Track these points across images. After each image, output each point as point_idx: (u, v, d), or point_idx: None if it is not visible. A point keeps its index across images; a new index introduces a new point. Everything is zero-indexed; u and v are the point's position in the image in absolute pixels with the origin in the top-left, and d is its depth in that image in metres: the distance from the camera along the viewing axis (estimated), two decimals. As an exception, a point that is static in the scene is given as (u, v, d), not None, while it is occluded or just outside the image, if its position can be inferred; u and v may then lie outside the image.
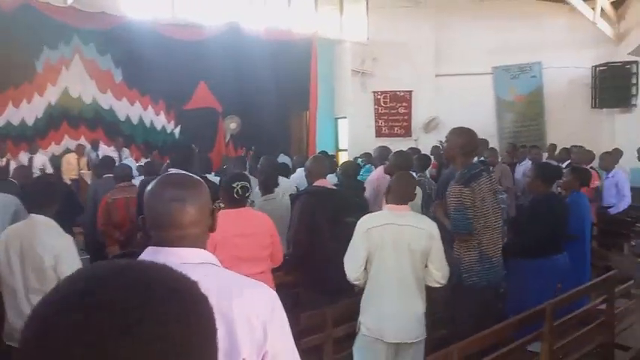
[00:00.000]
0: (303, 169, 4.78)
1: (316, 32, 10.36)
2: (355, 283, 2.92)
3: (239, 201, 3.20)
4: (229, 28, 9.79)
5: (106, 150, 8.83)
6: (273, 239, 3.28)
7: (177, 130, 10.65)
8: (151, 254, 1.23)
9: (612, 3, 10.01)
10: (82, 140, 9.51)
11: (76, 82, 9.41)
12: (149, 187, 1.31)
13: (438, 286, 2.95)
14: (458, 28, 10.68)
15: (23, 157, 8.40)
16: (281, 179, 5.67)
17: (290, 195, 4.12)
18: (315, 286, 3.70)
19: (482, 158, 7.18)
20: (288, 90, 10.43)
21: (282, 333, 1.27)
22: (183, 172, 3.71)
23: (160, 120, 10.48)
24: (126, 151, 9.44)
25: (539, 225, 3.69)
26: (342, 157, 10.72)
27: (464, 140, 3.38)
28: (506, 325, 2.82)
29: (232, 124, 10.80)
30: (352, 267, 2.90)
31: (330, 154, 8.32)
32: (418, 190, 4.51)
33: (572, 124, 10.43)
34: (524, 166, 7.24)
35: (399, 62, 10.56)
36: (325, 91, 10.83)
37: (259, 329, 1.21)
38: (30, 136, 8.87)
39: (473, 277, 3.28)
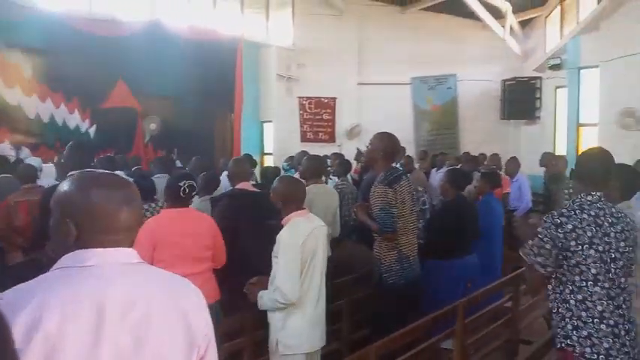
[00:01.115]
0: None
1: (242, 34, 10.26)
2: (295, 302, 2.71)
3: (184, 200, 3.16)
4: (151, 25, 9.44)
5: (2, 148, 8.13)
6: (215, 240, 3.25)
7: (92, 130, 10.11)
8: (84, 257, 1.15)
9: (520, 22, 10.79)
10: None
11: (-21, 75, 8.69)
12: (81, 188, 1.20)
13: None
14: (380, 38, 11.04)
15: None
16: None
17: (211, 198, 4.04)
18: (236, 291, 3.66)
19: (397, 164, 7.47)
20: (212, 91, 10.22)
21: (211, 324, 1.33)
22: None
23: (73, 118, 9.90)
24: (25, 150, 8.69)
25: (449, 227, 3.90)
26: (268, 161, 10.70)
27: (385, 145, 3.51)
28: (420, 324, 2.94)
29: (152, 125, 10.43)
30: (294, 286, 2.68)
31: (252, 157, 8.24)
32: (335, 193, 4.62)
33: (483, 133, 11.11)
34: (442, 173, 7.61)
35: (324, 69, 10.72)
36: (251, 94, 10.75)
37: (204, 317, 1.28)
38: None
39: (392, 276, 3.40)
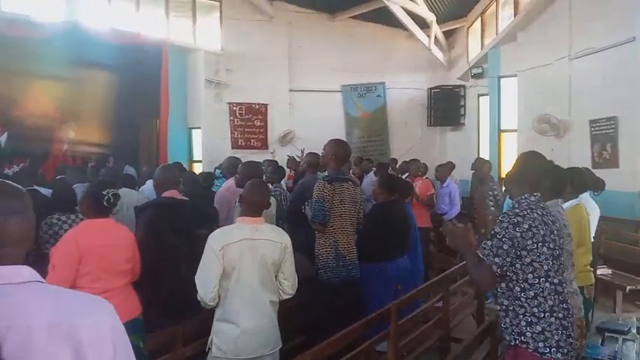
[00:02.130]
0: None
1: (168, 38, 9.92)
2: (210, 304, 2.72)
3: (107, 210, 2.97)
4: (69, 26, 8.91)
5: None
6: (134, 252, 3.10)
7: (3, 138, 9.36)
8: None
9: (444, 33, 11.24)
10: None
11: None
12: None
13: (287, 297, 2.92)
14: (310, 45, 11.10)
15: None
16: (128, 191, 5.30)
17: (134, 207, 3.82)
18: (164, 305, 3.47)
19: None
20: (137, 96, 9.81)
21: (128, 347, 1.19)
22: None
23: (-18, 127, 9.14)
24: None
25: (379, 230, 3.97)
26: (197, 169, 10.37)
27: (336, 150, 3.85)
28: (354, 328, 2.91)
29: (71, 132, 9.83)
30: (206, 288, 2.68)
31: (182, 164, 7.97)
32: (272, 200, 4.55)
33: (411, 139, 11.44)
34: (370, 177, 7.76)
35: (255, 75, 10.60)
36: (178, 100, 10.40)
37: (110, 349, 1.11)
38: None
39: (328, 273, 3.59)
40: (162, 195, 3.74)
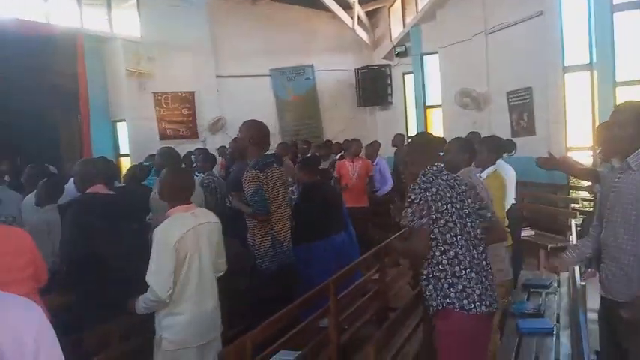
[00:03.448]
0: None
1: (81, 28, 9.38)
2: (167, 301, 2.65)
3: None
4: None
5: None
6: (34, 256, 2.78)
7: None
8: None
9: (366, 13, 11.38)
10: None
11: None
12: None
13: (220, 274, 2.94)
14: (234, 30, 10.88)
15: None
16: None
17: (58, 206, 3.64)
18: (98, 303, 3.36)
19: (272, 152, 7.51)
20: (53, 91, 9.25)
21: (55, 350, 1.11)
22: None
23: None
24: None
25: (309, 209, 4.02)
26: (125, 163, 9.98)
27: (252, 132, 3.63)
28: (292, 307, 2.96)
29: (-18, 133, 9.14)
30: (164, 284, 2.61)
31: (109, 159, 7.64)
32: (198, 190, 4.49)
33: (342, 120, 11.58)
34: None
35: (179, 62, 10.29)
36: (98, 93, 9.92)
37: (31, 348, 1.04)
38: None
39: (266, 261, 3.50)
40: (87, 191, 3.58)
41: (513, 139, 5.98)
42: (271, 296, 3.33)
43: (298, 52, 11.38)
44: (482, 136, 4.96)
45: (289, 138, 10.86)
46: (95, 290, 3.34)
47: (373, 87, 11.62)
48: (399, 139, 8.52)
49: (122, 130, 10.41)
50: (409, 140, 2.78)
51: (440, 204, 2.40)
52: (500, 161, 4.11)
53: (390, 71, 11.48)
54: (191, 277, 2.71)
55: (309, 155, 6.78)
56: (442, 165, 2.59)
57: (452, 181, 2.53)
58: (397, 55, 10.94)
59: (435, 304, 2.43)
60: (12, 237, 2.75)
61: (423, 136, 2.85)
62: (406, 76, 11.04)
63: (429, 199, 2.39)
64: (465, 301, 2.36)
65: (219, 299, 2.92)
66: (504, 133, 7.02)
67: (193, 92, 10.76)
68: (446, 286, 2.39)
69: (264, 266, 3.48)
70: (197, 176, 5.88)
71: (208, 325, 2.80)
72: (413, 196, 2.39)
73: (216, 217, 2.97)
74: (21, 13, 8.65)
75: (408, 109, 11.25)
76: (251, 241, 3.53)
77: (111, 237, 3.39)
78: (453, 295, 2.37)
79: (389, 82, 11.53)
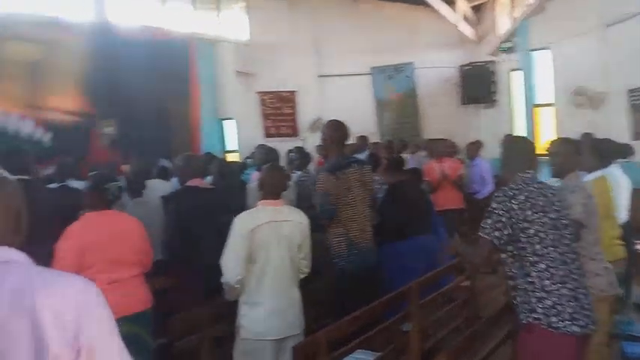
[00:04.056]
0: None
1: (195, 32, 10.09)
2: (236, 286, 2.80)
3: (110, 202, 3.05)
4: (99, 26, 9.20)
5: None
6: (144, 243, 3.14)
7: (46, 137, 9.78)
8: None
9: (472, 8, 10.93)
10: None
11: None
12: None
13: (303, 275, 3.01)
14: (336, 29, 11.03)
15: None
16: (160, 183, 5.46)
17: (162, 197, 3.96)
18: (193, 290, 3.60)
19: (364, 152, 7.53)
20: (167, 91, 10.03)
21: (101, 327, 1.20)
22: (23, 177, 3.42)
23: (25, 126, 9.54)
24: None
25: (395, 209, 3.95)
26: (232, 159, 10.56)
27: (332, 132, 3.68)
28: (370, 308, 2.95)
29: (108, 128, 10.17)
30: (233, 270, 2.76)
31: (214, 155, 8.13)
32: (292, 185, 4.63)
33: (443, 120, 11.23)
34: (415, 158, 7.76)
35: (282, 63, 10.65)
36: (209, 93, 10.60)
37: (72, 322, 1.13)
38: None
39: (342, 262, 3.53)
40: (187, 184, 3.87)
41: (633, 142, 5.42)
42: (346, 296, 3.34)
43: (399, 49, 11.23)
44: (596, 137, 4.58)
45: (388, 137, 10.78)
46: (190, 276, 3.60)
47: (477, 85, 11.14)
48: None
49: (230, 128, 11.02)
50: (508, 139, 2.66)
51: (530, 212, 2.26)
52: (612, 166, 3.76)
53: (496, 68, 10.93)
54: (268, 271, 2.81)
55: (394, 156, 6.68)
56: (533, 173, 2.44)
57: (546, 189, 2.38)
58: (503, 51, 10.38)
59: (521, 317, 2.29)
60: (124, 223, 3.10)
61: (517, 139, 2.71)
62: (513, 73, 10.44)
63: (516, 207, 2.25)
64: (554, 318, 2.19)
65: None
66: (622, 135, 6.40)
67: (295, 92, 11.09)
68: (533, 300, 2.24)
69: (339, 267, 3.53)
70: (294, 174, 6.07)
71: (285, 320, 2.85)
72: (494, 205, 2.27)
73: (305, 218, 3.04)
74: (142, 20, 9.50)
75: (514, 107, 10.64)
76: (328, 241, 3.59)
77: (206, 227, 3.62)
78: (540, 310, 2.22)
79: (494, 79, 10.99)
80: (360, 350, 3.16)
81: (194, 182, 3.83)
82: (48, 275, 1.18)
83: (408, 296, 3.31)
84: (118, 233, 2.98)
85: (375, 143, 7.88)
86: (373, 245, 3.74)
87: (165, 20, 9.82)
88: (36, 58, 8.76)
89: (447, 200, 6.25)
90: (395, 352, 3.20)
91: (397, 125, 11.63)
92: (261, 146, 5.29)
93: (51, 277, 1.18)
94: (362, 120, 10.48)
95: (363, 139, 7.95)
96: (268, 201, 2.91)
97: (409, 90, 11.59)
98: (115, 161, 7.89)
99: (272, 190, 2.94)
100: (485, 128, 11.07)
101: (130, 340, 2.92)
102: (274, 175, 3.00)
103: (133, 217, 3.27)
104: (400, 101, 11.66)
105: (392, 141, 9.50)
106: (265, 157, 4.35)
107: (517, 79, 10.23)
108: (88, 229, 2.92)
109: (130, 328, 2.89)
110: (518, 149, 2.54)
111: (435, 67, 11.36)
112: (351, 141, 7.73)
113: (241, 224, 2.79)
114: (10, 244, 1.16)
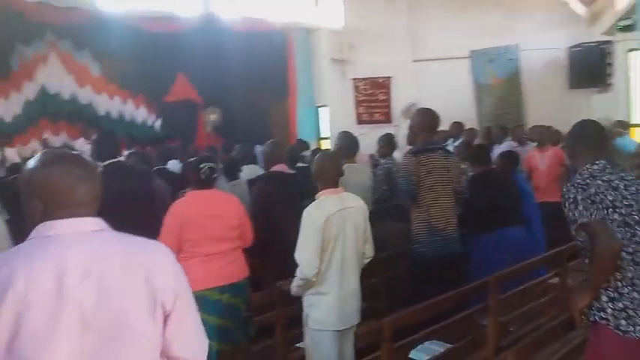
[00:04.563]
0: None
1: (291, 21, 10.34)
2: (313, 279, 2.80)
3: (206, 182, 3.26)
4: (205, 18, 9.76)
5: (82, 144, 8.76)
6: (241, 220, 3.35)
7: (158, 123, 10.66)
8: (46, 229, 1.28)
9: (586, -17, 10.03)
10: (62, 136, 9.53)
11: (53, 77, 9.40)
12: (44, 166, 1.32)
13: (368, 260, 3.00)
14: (433, 12, 10.67)
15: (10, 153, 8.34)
16: (254, 168, 5.74)
17: (247, 180, 4.17)
18: (274, 270, 3.77)
19: (460, 139, 7.30)
20: (266, 80, 10.45)
21: (186, 281, 1.42)
22: (118, 160, 3.78)
23: (140, 113, 10.49)
24: None
25: (476, 200, 3.81)
26: (325, 145, 10.77)
27: (422, 119, 3.67)
28: (441, 299, 2.89)
29: (212, 116, 10.84)
30: (309, 263, 2.75)
31: (307, 142, 8.36)
32: (367, 174, 4.62)
33: (550, 105, 10.46)
34: (502, 148, 7.35)
35: (377, 48, 10.55)
36: (305, 80, 10.86)
37: (171, 275, 1.38)
38: (8, 133, 8.86)
39: (422, 247, 3.51)
40: (271, 169, 4.04)
41: None
42: (421, 284, 3.31)
43: (501, 31, 10.60)
44: None
45: (487, 124, 10.31)
46: (272, 256, 3.78)
47: (589, 67, 10.21)
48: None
49: (324, 115, 11.21)
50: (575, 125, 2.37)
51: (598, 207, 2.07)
52: None
53: (611, 48, 9.95)
54: (334, 260, 2.80)
55: (480, 144, 6.39)
56: (605, 162, 2.19)
57: (617, 181, 2.14)
58: (620, 30, 9.39)
59: (590, 313, 2.13)
60: (228, 201, 3.36)
61: (583, 124, 2.36)
62: (631, 54, 9.44)
63: (581, 206, 2.08)
64: (623, 322, 2.02)
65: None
66: None
67: (389, 77, 10.97)
68: (604, 298, 2.08)
69: (418, 252, 3.51)
70: (378, 160, 6.05)
71: (350, 309, 2.86)
72: (572, 195, 2.10)
73: (364, 202, 3.04)
74: (243, 12, 9.93)
75: (632, 91, 9.64)
76: (410, 226, 3.61)
77: (286, 210, 3.77)
78: (609, 310, 2.05)
79: (609, 60, 10.01)
80: (434, 341, 3.13)
81: (278, 167, 3.99)
82: (138, 239, 1.40)
83: (487, 289, 3.20)
84: (215, 211, 3.21)
85: (470, 130, 7.57)
86: (457, 235, 3.66)
87: (265, 11, 10.16)
88: (150, 49, 9.54)
89: (546, 192, 5.87)
90: (470, 345, 3.12)
91: (498, 111, 11.06)
92: (342, 133, 5.32)
93: (142, 240, 1.40)
94: (459, 106, 10.12)
95: (457, 125, 7.70)
96: (329, 190, 2.88)
97: (512, 74, 10.95)
98: (216, 146, 8.40)
99: (330, 179, 2.91)
100: (597, 114, 10.15)
101: (221, 310, 3.18)
102: (328, 164, 2.95)
103: (232, 196, 3.50)
104: (502, 86, 11.06)
105: (490, 128, 9.10)
106: (343, 144, 4.38)
107: (636, 60, 9.25)
108: (189, 206, 3.19)
109: (222, 297, 3.20)
110: (584, 137, 2.29)
111: (541, 49, 10.60)
112: (445, 128, 7.59)
113: (312, 217, 2.79)
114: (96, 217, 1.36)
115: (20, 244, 1.29)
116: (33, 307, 1.17)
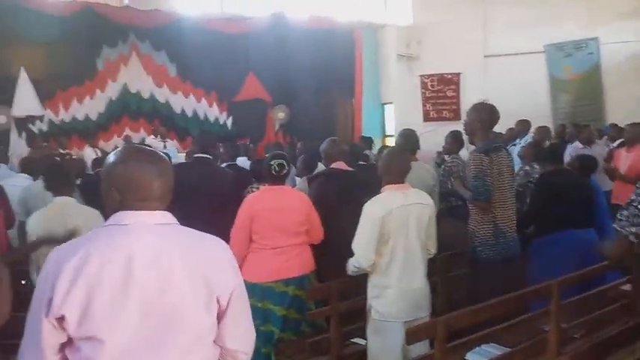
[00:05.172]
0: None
1: (359, 19, 10.38)
2: (368, 270, 2.88)
3: (277, 178, 3.42)
4: (275, 18, 10.03)
5: (151, 141, 9.23)
6: (310, 217, 3.47)
7: (229, 121, 11.05)
8: (121, 218, 1.41)
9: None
10: (142, 132, 10.14)
11: (134, 77, 10.01)
12: (122, 160, 1.44)
13: (430, 256, 3.00)
14: (505, 5, 10.30)
15: (88, 150, 8.98)
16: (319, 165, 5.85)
17: (307, 177, 4.26)
18: (332, 266, 3.84)
19: (526, 138, 7.02)
20: (333, 78, 10.55)
21: (241, 278, 1.53)
22: (207, 156, 4.04)
23: (212, 112, 10.92)
24: (170, 142, 9.73)
25: (542, 200, 3.66)
26: (390, 143, 10.72)
27: (482, 115, 3.51)
28: (498, 302, 2.82)
29: (281, 114, 11.08)
30: (365, 254, 2.82)
31: (371, 139, 8.36)
32: (430, 172, 4.56)
33: (633, 101, 9.80)
34: (572, 148, 7.02)
35: (446, 44, 10.35)
36: (371, 77, 10.85)
37: (228, 272, 1.47)
38: (94, 131, 9.56)
39: (487, 251, 3.38)
40: (330, 166, 4.11)
41: None
42: (481, 286, 3.23)
43: (580, 23, 10.05)
44: None
45: (562, 121, 9.82)
46: (330, 252, 3.85)
47: (679, 60, 9.47)
48: None
49: (389, 112, 11.15)
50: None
51: None
52: None
53: None
54: (397, 254, 2.83)
55: (553, 142, 6.06)
56: None
57: None
58: None
59: None
60: (297, 197, 3.51)
61: None
62: None
63: None
64: None
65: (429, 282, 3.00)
66: None
67: (459, 73, 10.74)
68: None
69: (483, 255, 3.37)
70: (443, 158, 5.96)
71: (414, 303, 2.88)
72: (633, 197, 2.02)
73: (430, 200, 3.05)
74: (311, 10, 10.10)
75: None
76: (472, 228, 3.46)
77: (344, 207, 3.82)
78: None
79: None
80: (491, 343, 3.08)
81: (337, 165, 4.05)
82: (202, 235, 1.50)
83: (548, 293, 3.09)
84: (284, 205, 3.35)
85: (540, 128, 7.24)
86: (517, 236, 3.55)
87: (333, 9, 10.27)
88: (222, 50, 9.93)
89: (623, 194, 5.53)
90: (529, 350, 3.03)
91: (574, 108, 10.50)
92: (403, 131, 5.29)
93: (205, 236, 1.51)
94: (532, 103, 9.73)
95: (524, 123, 7.41)
96: (395, 185, 2.92)
97: (591, 69, 10.35)
98: (284, 144, 8.60)
99: (396, 174, 2.94)
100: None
101: (287, 301, 3.33)
102: (396, 159, 2.98)
103: (302, 193, 3.64)
104: (579, 81, 10.49)
105: (564, 125, 8.67)
106: (404, 141, 4.37)
107: None
108: (259, 200, 3.36)
109: (288, 290, 3.35)
110: None
111: (623, 42, 9.93)
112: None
113: (372, 210, 2.83)
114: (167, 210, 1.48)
115: (97, 229, 1.43)
116: (103, 288, 1.30)
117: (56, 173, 3.43)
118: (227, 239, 1.63)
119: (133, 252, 1.34)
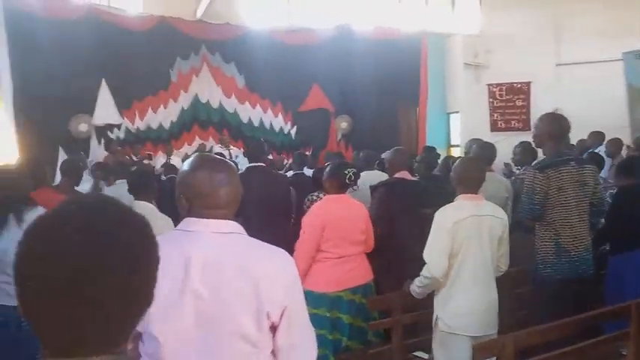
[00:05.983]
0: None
1: (425, 29, 10.29)
2: (440, 280, 2.81)
3: (347, 186, 3.48)
4: (340, 30, 10.13)
5: (219, 149, 9.51)
6: (367, 225, 3.53)
7: (293, 131, 11.23)
8: (188, 224, 1.48)
9: None
10: (210, 141, 10.52)
11: (205, 88, 10.41)
12: (191, 169, 1.50)
13: (500, 273, 2.91)
14: (579, 11, 9.84)
15: (161, 158, 9.42)
16: (379, 174, 5.83)
17: (370, 186, 4.26)
18: (392, 276, 3.81)
19: (598, 150, 6.68)
20: (397, 88, 10.48)
21: (299, 294, 1.50)
22: (260, 164, 4.16)
23: (277, 121, 11.14)
24: (234, 150, 9.90)
25: (619, 216, 3.45)
26: (455, 153, 10.51)
27: (551, 127, 3.37)
28: (572, 321, 2.68)
29: (343, 124, 11.13)
30: (438, 263, 2.76)
31: (436, 149, 8.22)
32: (504, 184, 4.41)
33: None
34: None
35: (515, 52, 10.03)
36: (436, 87, 10.70)
37: (281, 288, 1.42)
38: (166, 139, 10.02)
39: (547, 268, 3.24)
40: (394, 176, 4.10)
41: None
42: (545, 307, 3.09)
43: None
44: None
45: (642, 133, 9.22)
46: (391, 261, 3.83)
47: None
48: None
49: (455, 122, 10.94)
50: None
51: None
52: None
53: None
54: (466, 266, 2.77)
55: (631, 155, 5.70)
56: None
57: None
58: None
59: None
60: (358, 206, 3.56)
61: None
62: None
63: None
64: None
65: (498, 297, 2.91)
66: None
67: (529, 83, 10.37)
68: None
69: (544, 273, 3.22)
70: (518, 169, 5.75)
71: (483, 318, 2.81)
72: None
73: (505, 214, 2.97)
74: (377, 20, 10.12)
75: None
76: (536, 245, 3.32)
77: (406, 217, 3.79)
78: None
79: None
80: (561, 364, 2.94)
81: (400, 174, 4.04)
82: (262, 247, 1.50)
83: (626, 314, 2.92)
84: (349, 214, 3.41)
85: (613, 141, 6.85)
86: (589, 255, 3.34)
87: (399, 18, 10.25)
88: (288, 61, 10.14)
89: None
90: (603, 374, 2.87)
91: (657, 119, 9.83)
92: (475, 141, 5.14)
93: (265, 248, 1.50)
94: (608, 113, 9.22)
95: (596, 135, 7.06)
96: (468, 195, 2.86)
97: (676, 76, 9.67)
98: (345, 153, 8.64)
99: (470, 184, 2.87)
100: None
101: (354, 309, 3.37)
102: (470, 169, 2.93)
103: (359, 202, 3.65)
104: (664, 91, 9.81)
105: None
106: (481, 152, 4.26)
107: None
108: (328, 209, 3.41)
109: (355, 298, 3.39)
110: None
111: None
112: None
113: (443, 218, 2.79)
114: (230, 219, 1.50)
115: (165, 234, 1.48)
116: (162, 287, 1.36)
117: (143, 177, 3.60)
118: (282, 245, 1.61)
119: (190, 257, 1.39)
